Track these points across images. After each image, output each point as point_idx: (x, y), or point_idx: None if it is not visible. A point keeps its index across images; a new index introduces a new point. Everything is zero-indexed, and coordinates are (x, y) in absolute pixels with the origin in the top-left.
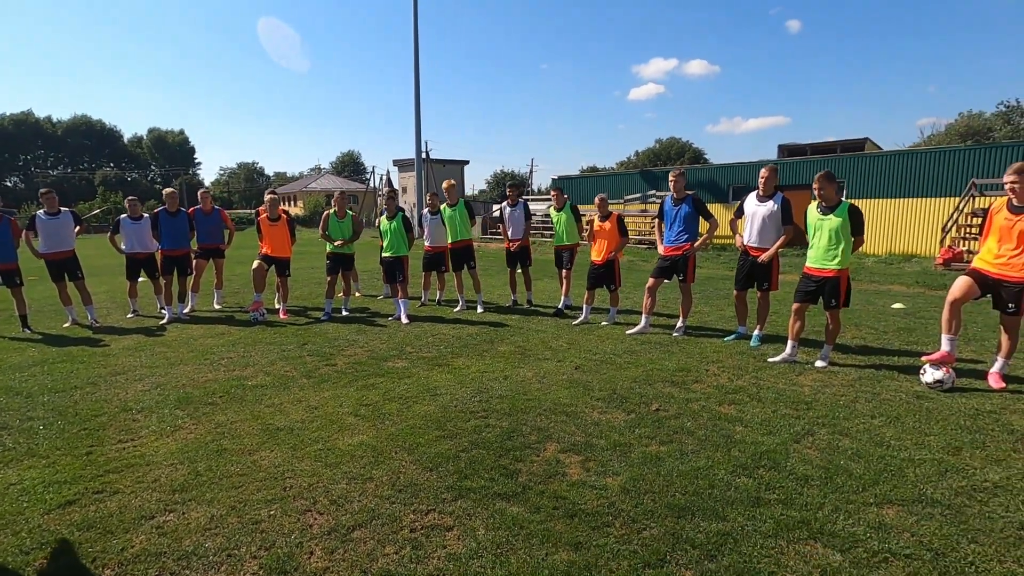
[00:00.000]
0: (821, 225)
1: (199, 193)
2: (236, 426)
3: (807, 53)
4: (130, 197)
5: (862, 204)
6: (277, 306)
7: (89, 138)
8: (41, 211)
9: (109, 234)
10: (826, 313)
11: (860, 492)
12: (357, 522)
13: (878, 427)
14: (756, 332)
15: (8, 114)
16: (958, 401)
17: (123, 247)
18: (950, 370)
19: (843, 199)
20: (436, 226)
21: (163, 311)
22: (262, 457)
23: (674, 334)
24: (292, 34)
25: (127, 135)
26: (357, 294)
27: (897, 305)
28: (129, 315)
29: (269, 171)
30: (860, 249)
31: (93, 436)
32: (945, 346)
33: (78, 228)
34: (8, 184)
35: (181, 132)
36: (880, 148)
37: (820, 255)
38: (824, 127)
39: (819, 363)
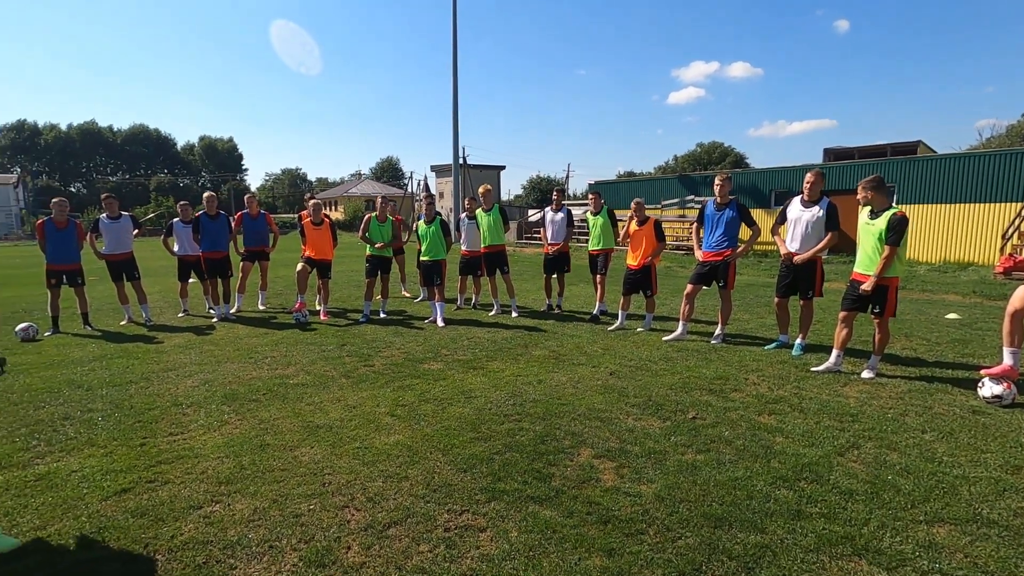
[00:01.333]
0: (867, 231)
1: (246, 198)
2: (278, 423)
3: (856, 54)
4: (182, 202)
5: (914, 210)
6: (318, 307)
7: (146, 146)
8: (104, 215)
9: (163, 237)
10: (873, 322)
11: (909, 509)
12: (393, 519)
13: (929, 442)
14: (798, 341)
15: (75, 124)
16: (1018, 417)
17: (175, 249)
18: (1011, 385)
19: (892, 205)
20: (473, 230)
21: (211, 311)
22: (302, 453)
23: (712, 341)
24: (306, 37)
25: (180, 143)
26: (405, 293)
27: (952, 315)
28: (180, 314)
29: (312, 176)
30: (900, 257)
31: (147, 428)
32: (1007, 359)
33: (136, 231)
34: (72, 190)
35: (230, 139)
36: (934, 151)
37: (866, 262)
38: (874, 130)
39: (866, 374)
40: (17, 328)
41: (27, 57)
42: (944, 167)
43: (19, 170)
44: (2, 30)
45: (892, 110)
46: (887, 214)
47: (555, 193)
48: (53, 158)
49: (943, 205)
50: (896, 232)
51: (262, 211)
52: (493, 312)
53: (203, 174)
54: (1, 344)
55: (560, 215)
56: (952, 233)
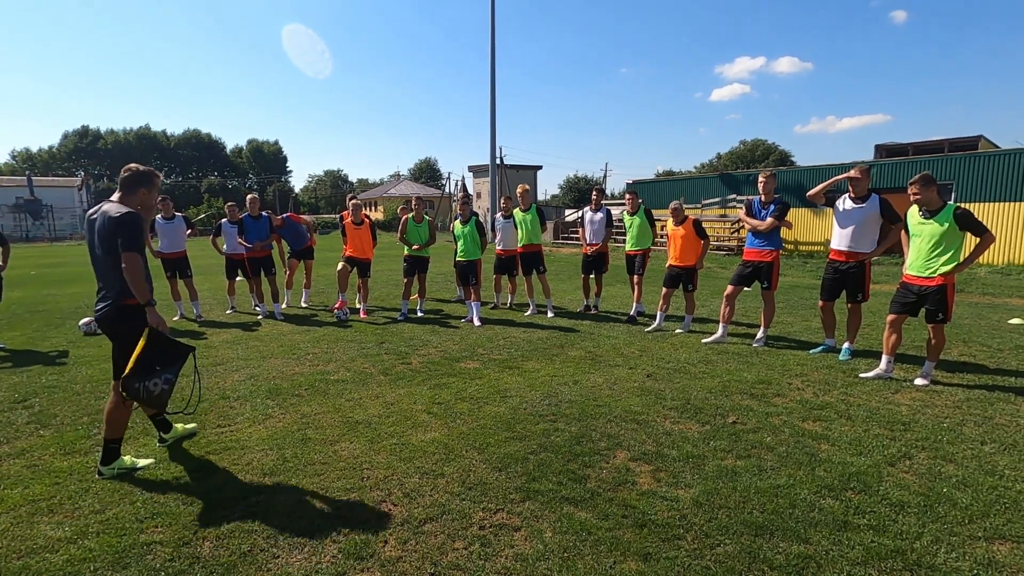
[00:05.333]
0: (922, 231)
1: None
2: (319, 417)
3: (914, 46)
4: (230, 203)
5: (974, 208)
6: (358, 306)
7: (198, 149)
8: (159, 216)
9: (212, 237)
10: (928, 326)
11: (966, 524)
12: (428, 516)
13: (989, 454)
14: (846, 345)
15: (132, 129)
16: None
17: (224, 249)
18: None
19: (948, 202)
20: (508, 230)
21: (256, 308)
22: (342, 448)
23: (754, 344)
24: (317, 40)
25: (229, 146)
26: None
27: (1015, 320)
28: (228, 311)
29: (352, 178)
30: (959, 256)
31: (197, 420)
32: None
33: (189, 231)
34: None
35: (276, 142)
36: (997, 146)
37: (921, 263)
38: (931, 125)
39: (919, 381)
40: (80, 323)
41: (89, 66)
42: (1008, 163)
43: (83, 173)
44: (66, 43)
45: (952, 104)
46: (947, 211)
47: (594, 193)
48: (113, 162)
49: (1007, 203)
50: (978, 222)
51: (286, 215)
52: (529, 312)
53: (250, 176)
54: (66, 338)
55: (599, 215)
56: (1017, 233)
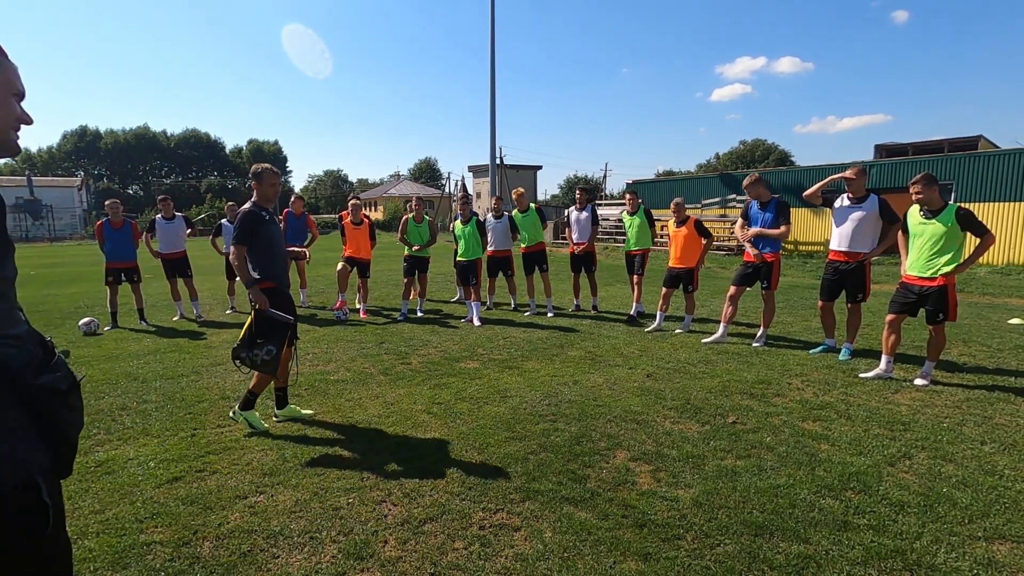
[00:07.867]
0: (923, 231)
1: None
2: (319, 417)
3: (915, 46)
4: (229, 203)
5: (974, 209)
6: (358, 306)
7: (197, 149)
8: (159, 216)
9: (211, 237)
10: (929, 327)
11: (966, 524)
12: (428, 516)
13: (989, 454)
14: (846, 345)
15: (131, 129)
16: None
17: (224, 249)
18: None
19: (950, 202)
20: (500, 230)
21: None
22: (342, 448)
23: (754, 344)
24: (317, 40)
25: (229, 146)
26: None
27: (1015, 320)
28: (228, 311)
29: (352, 177)
30: (959, 256)
31: (197, 420)
32: None
33: (189, 231)
34: (130, 192)
35: (276, 142)
36: (996, 146)
37: (922, 263)
38: (932, 125)
39: (919, 381)
40: (80, 323)
41: (88, 66)
42: (1008, 163)
43: (82, 173)
44: (66, 43)
45: (952, 104)
46: (949, 210)
47: (578, 192)
48: (112, 162)
49: (1007, 203)
50: (979, 223)
51: (304, 211)
52: (529, 312)
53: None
54: (66, 338)
55: (584, 214)
56: (1017, 233)
